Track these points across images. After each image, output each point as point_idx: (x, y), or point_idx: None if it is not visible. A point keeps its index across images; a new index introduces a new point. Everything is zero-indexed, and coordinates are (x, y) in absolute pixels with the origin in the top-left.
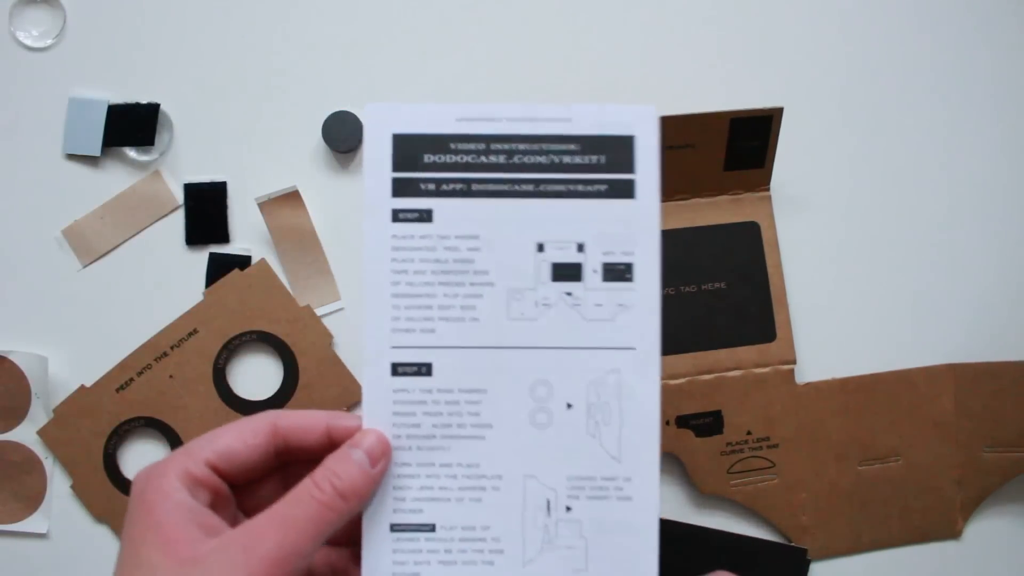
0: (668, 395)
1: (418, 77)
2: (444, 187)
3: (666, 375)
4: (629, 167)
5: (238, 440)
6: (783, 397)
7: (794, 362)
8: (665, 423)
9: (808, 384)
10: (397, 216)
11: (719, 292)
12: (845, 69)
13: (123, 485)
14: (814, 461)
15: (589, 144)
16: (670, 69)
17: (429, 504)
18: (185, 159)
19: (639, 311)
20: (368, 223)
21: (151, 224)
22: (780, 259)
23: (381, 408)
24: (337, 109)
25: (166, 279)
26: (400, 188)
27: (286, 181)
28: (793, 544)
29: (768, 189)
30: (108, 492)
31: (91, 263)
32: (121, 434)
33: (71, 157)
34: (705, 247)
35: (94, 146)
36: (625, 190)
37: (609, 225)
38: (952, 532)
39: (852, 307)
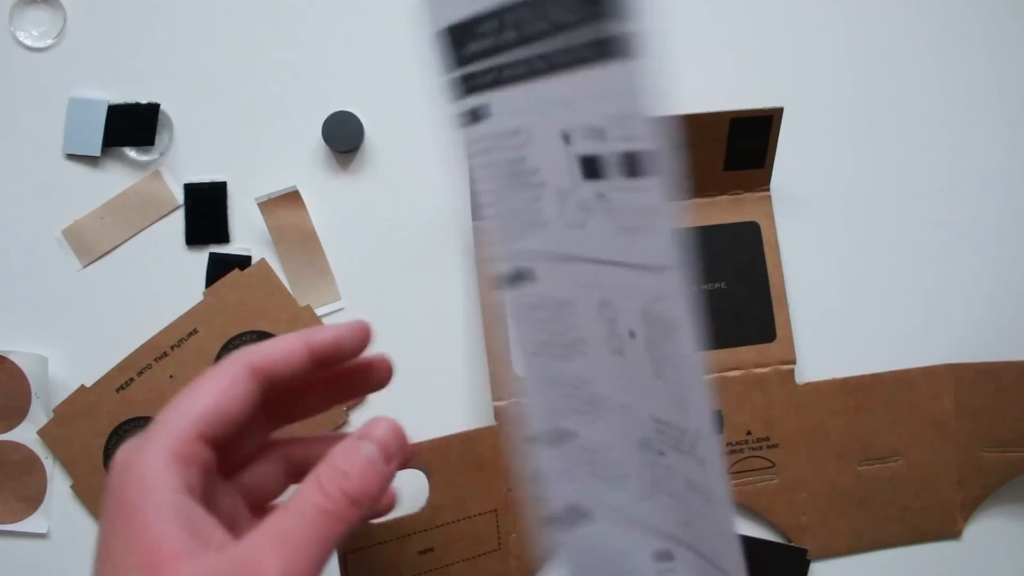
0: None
1: (418, 77)
2: (481, 79)
3: None
4: (625, 14)
5: (220, 396)
6: (783, 397)
7: (794, 362)
8: None
9: (808, 384)
10: (459, 122)
11: (719, 292)
12: (845, 69)
13: None
14: (814, 461)
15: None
16: (670, 69)
17: (566, 416)
18: (185, 159)
19: (659, 219)
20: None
21: (151, 224)
22: (780, 259)
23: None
24: (337, 109)
25: (166, 279)
26: (453, 89)
27: (286, 181)
28: (793, 544)
29: (768, 189)
30: None
31: (91, 263)
32: (121, 434)
33: (71, 157)
34: (705, 247)
35: (94, 146)
36: (616, 50)
37: (608, 102)
38: (952, 532)
39: (852, 307)
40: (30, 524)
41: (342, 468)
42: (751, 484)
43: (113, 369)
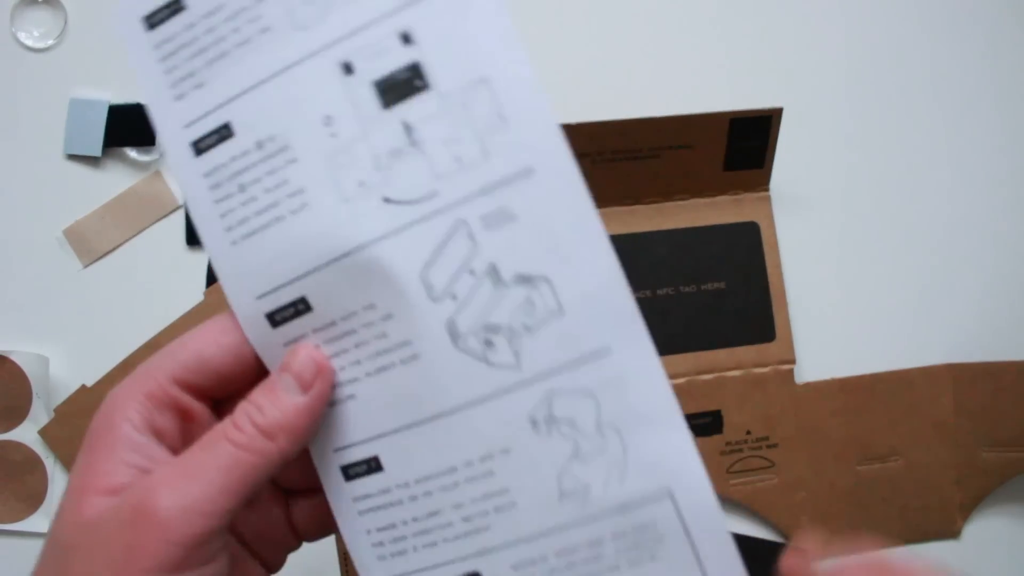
0: None
1: None
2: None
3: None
4: None
5: (208, 343)
6: (782, 397)
7: (793, 362)
8: None
9: (807, 384)
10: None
11: (719, 292)
12: (845, 69)
13: None
14: (813, 461)
15: None
16: (670, 69)
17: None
18: None
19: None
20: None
21: (152, 224)
22: (780, 259)
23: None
24: None
25: (167, 279)
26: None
27: None
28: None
29: (768, 189)
30: None
31: (92, 263)
32: None
33: (72, 157)
34: (705, 247)
35: (95, 146)
36: None
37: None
38: (951, 532)
39: (851, 307)
40: (31, 524)
41: (256, 402)
42: (751, 484)
43: (114, 369)
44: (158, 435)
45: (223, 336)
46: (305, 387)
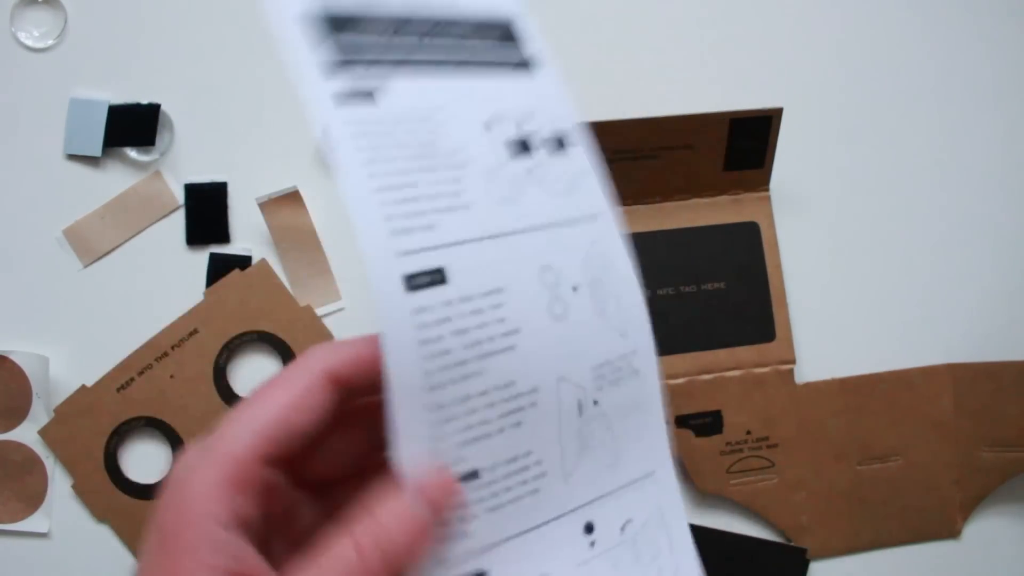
0: (668, 395)
1: None
2: (376, 62)
3: (666, 375)
4: (520, 42)
5: (293, 408)
6: (782, 397)
7: (793, 362)
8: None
9: (807, 384)
10: (341, 101)
11: (719, 292)
12: (845, 69)
13: (124, 485)
14: (813, 461)
15: (478, 27)
16: (670, 69)
17: (470, 448)
18: (185, 159)
19: (589, 178)
20: (316, 113)
21: (152, 224)
22: (780, 259)
23: (406, 342)
24: None
25: (166, 279)
26: (331, 66)
27: (286, 181)
28: (792, 544)
29: (768, 189)
30: (109, 492)
31: (92, 263)
32: (122, 434)
33: (72, 157)
34: (705, 247)
35: (95, 146)
36: (526, 64)
37: (529, 98)
38: (951, 531)
39: (851, 307)
40: (31, 524)
41: (380, 520)
42: (751, 484)
43: (114, 369)
44: (243, 526)
45: (308, 397)
46: (436, 512)
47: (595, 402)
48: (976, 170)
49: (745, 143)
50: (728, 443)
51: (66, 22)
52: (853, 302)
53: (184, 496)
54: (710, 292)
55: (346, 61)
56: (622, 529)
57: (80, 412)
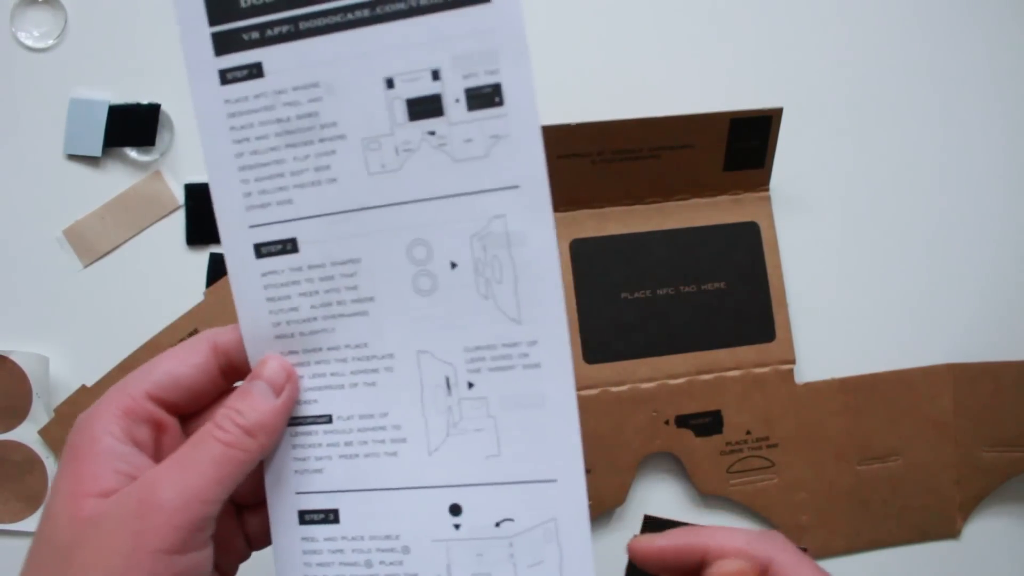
0: (668, 395)
1: None
2: (269, 32)
3: (666, 375)
4: None
5: (177, 363)
6: (782, 397)
7: (793, 362)
8: (664, 423)
9: (807, 384)
10: (225, 77)
11: (719, 292)
12: (845, 69)
13: None
14: (813, 461)
15: None
16: (670, 69)
17: (323, 393)
18: (186, 159)
19: (517, 140)
20: (195, 92)
21: (152, 224)
22: (780, 259)
23: (252, 297)
24: None
25: (167, 279)
26: (222, 44)
27: None
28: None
29: (768, 189)
30: None
31: (92, 263)
32: None
33: (72, 157)
34: (705, 247)
35: (95, 146)
36: None
37: (465, 41)
38: (951, 531)
39: (851, 307)
40: (31, 524)
41: (235, 406)
42: (751, 484)
43: (114, 369)
44: (137, 446)
45: (192, 357)
46: (277, 391)
47: (470, 384)
48: (976, 170)
49: (745, 143)
50: (728, 443)
51: (66, 22)
52: (853, 302)
53: (90, 422)
54: (710, 292)
55: (238, 33)
56: (497, 524)
57: (80, 412)
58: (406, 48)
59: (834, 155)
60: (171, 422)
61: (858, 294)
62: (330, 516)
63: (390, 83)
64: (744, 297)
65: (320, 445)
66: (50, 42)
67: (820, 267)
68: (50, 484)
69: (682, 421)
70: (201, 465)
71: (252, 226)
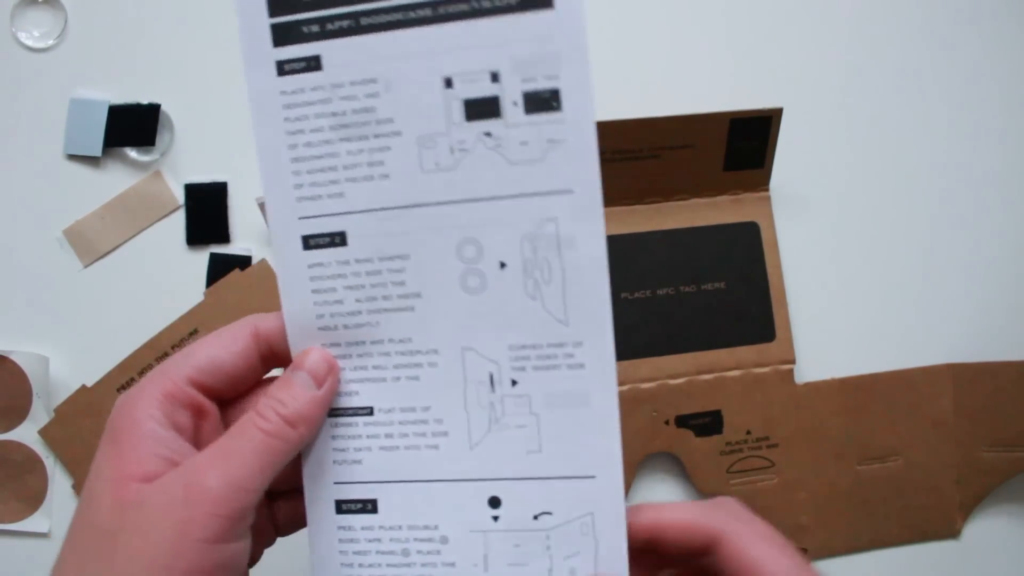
0: (668, 395)
1: None
2: (329, 26)
3: (666, 375)
4: None
5: (219, 348)
6: (782, 397)
7: (793, 362)
8: (664, 423)
9: (807, 384)
10: (283, 69)
11: (719, 292)
12: (845, 69)
13: None
14: (813, 461)
15: None
16: (671, 69)
17: (364, 386)
18: (186, 159)
19: (573, 145)
20: (251, 81)
21: (152, 224)
22: (780, 259)
23: (298, 288)
24: None
25: (167, 279)
26: (281, 35)
27: None
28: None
29: (768, 189)
30: None
31: (92, 263)
32: None
33: (72, 157)
34: (705, 247)
35: (95, 146)
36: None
37: (526, 45)
38: (951, 531)
39: (851, 307)
40: (31, 524)
41: (277, 396)
42: (750, 484)
43: (114, 369)
44: (178, 430)
45: (233, 344)
46: (319, 382)
47: (513, 382)
48: (976, 170)
49: (745, 143)
50: (728, 443)
51: (66, 22)
52: (853, 302)
53: (131, 405)
54: (710, 292)
55: (297, 25)
56: (535, 517)
57: (80, 412)
58: (466, 49)
59: (834, 155)
60: (211, 408)
61: (858, 294)
62: (368, 506)
63: (448, 83)
64: (744, 297)
65: (360, 436)
66: (50, 42)
67: (820, 267)
68: (50, 484)
69: (682, 421)
70: (244, 455)
71: (302, 218)
